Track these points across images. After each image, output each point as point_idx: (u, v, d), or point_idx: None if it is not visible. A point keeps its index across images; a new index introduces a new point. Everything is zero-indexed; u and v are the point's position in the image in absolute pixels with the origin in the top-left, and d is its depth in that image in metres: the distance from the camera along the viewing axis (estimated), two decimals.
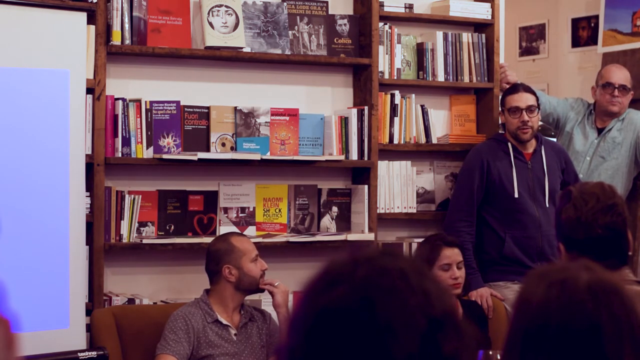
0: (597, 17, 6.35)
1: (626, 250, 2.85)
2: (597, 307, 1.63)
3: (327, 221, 5.05)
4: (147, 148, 4.59)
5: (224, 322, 4.14)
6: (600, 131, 5.41)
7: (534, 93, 5.10)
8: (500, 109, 5.18)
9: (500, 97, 5.35)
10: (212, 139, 4.76)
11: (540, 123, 5.26)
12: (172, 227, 4.70)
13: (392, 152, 5.19)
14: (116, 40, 4.49)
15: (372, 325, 1.30)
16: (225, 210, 4.81)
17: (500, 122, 5.26)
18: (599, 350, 1.61)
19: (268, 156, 4.80)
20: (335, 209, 5.07)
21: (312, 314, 1.34)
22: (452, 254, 4.36)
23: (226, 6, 4.77)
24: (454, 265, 4.34)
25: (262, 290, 4.21)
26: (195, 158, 4.58)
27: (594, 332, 1.62)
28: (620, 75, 5.37)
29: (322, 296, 1.34)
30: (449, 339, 1.32)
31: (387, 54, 5.17)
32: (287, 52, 4.91)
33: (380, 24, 5.13)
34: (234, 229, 4.78)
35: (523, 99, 5.02)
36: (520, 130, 5.00)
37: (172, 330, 4.06)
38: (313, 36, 5.04)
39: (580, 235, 2.80)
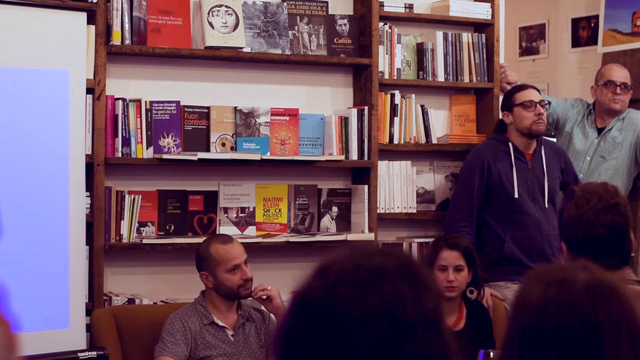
0: (597, 17, 6.35)
1: (628, 250, 2.85)
2: (594, 307, 1.63)
3: (327, 221, 5.04)
4: (147, 148, 4.59)
5: (220, 323, 4.14)
6: (600, 131, 5.42)
7: (539, 92, 5.13)
8: (504, 109, 5.13)
9: (500, 97, 5.35)
10: (212, 139, 4.76)
11: None
12: (172, 227, 4.70)
13: (392, 152, 5.19)
14: (116, 40, 4.49)
15: (334, 315, 1.34)
16: (225, 210, 4.81)
17: (500, 122, 5.24)
18: (596, 350, 1.61)
19: (268, 156, 4.80)
20: (335, 209, 5.07)
21: (294, 301, 1.40)
22: (449, 257, 4.35)
23: (226, 6, 4.77)
24: (450, 268, 4.33)
25: (246, 297, 4.19)
26: (195, 158, 4.58)
27: (591, 332, 1.62)
28: (621, 73, 5.39)
29: (305, 286, 1.39)
30: (417, 341, 1.33)
31: (387, 54, 5.17)
32: (287, 52, 4.91)
33: (380, 24, 5.13)
34: (234, 229, 4.78)
35: (533, 94, 5.05)
36: (535, 123, 4.99)
37: (170, 332, 4.06)
38: (313, 36, 5.03)
39: (581, 234, 2.80)
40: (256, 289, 4.16)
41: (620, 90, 5.35)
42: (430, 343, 1.35)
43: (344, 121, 5.03)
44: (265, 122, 4.86)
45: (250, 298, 4.24)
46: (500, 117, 5.17)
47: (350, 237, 4.91)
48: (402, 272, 1.38)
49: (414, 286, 1.37)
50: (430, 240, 5.22)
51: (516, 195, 4.97)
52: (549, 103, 5.13)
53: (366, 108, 5.05)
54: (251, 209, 4.87)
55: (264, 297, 4.19)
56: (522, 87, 5.12)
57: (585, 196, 2.82)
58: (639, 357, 1.63)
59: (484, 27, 5.47)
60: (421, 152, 5.31)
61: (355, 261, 1.38)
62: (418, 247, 5.18)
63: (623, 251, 2.84)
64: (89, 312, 4.35)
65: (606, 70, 5.45)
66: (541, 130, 5.03)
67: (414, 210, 5.24)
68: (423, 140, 5.27)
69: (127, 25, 4.52)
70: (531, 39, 7.35)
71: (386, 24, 5.18)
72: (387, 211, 5.16)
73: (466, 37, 5.39)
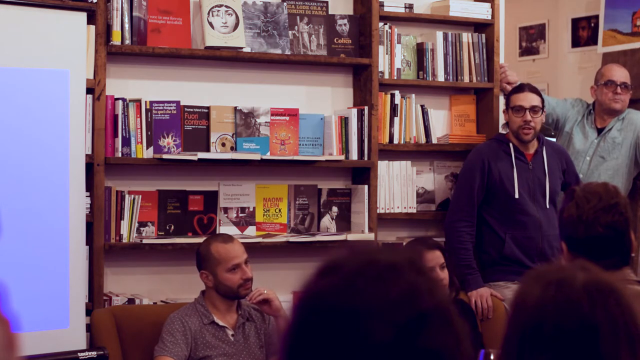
0: (597, 17, 6.35)
1: (628, 250, 2.85)
2: (593, 307, 1.63)
3: (327, 221, 5.04)
4: (147, 148, 4.59)
5: (220, 323, 4.14)
6: (600, 131, 5.42)
7: (539, 94, 5.10)
8: (505, 108, 5.17)
9: (501, 97, 5.36)
10: (212, 139, 4.76)
11: None
12: (172, 227, 4.70)
13: (392, 152, 5.19)
14: (116, 40, 4.49)
15: (351, 311, 1.31)
16: (225, 210, 4.81)
17: (502, 121, 5.26)
18: (595, 350, 1.61)
19: (268, 156, 4.80)
20: (335, 209, 5.07)
21: (303, 301, 1.37)
22: (433, 257, 4.43)
23: (226, 6, 4.77)
24: (436, 268, 4.41)
25: (244, 297, 4.18)
26: (195, 158, 4.58)
27: (590, 332, 1.62)
28: (621, 73, 5.40)
29: (313, 285, 1.36)
30: (431, 333, 1.33)
31: (387, 54, 5.17)
32: (287, 52, 4.91)
33: (380, 24, 5.13)
34: (234, 229, 4.78)
35: (528, 99, 5.02)
36: (522, 130, 5.00)
37: (170, 332, 4.06)
38: (313, 36, 5.03)
39: (581, 233, 2.80)
40: (253, 294, 4.16)
41: (621, 90, 5.36)
42: (445, 334, 1.34)
43: (344, 121, 5.03)
44: (265, 122, 4.86)
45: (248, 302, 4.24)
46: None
47: (350, 237, 4.91)
48: (413, 266, 1.38)
49: (425, 278, 1.37)
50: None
51: (517, 196, 4.97)
52: (543, 109, 5.09)
53: (366, 108, 5.04)
54: (251, 209, 4.87)
55: (262, 300, 4.18)
56: (519, 89, 5.11)
57: (585, 196, 2.83)
58: (638, 357, 1.63)
59: (484, 27, 5.47)
60: (421, 152, 5.31)
61: (367, 257, 1.37)
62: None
63: (623, 251, 2.84)
64: (89, 312, 4.35)
65: (606, 70, 5.45)
66: (526, 139, 5.01)
67: (414, 210, 5.24)
68: (423, 140, 5.27)
69: (127, 25, 4.52)
70: (531, 39, 7.35)
71: (386, 24, 5.18)
72: (387, 211, 5.15)
73: (466, 37, 5.39)
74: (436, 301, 1.35)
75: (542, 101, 5.08)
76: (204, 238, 4.44)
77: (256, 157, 4.73)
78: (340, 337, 1.31)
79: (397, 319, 1.31)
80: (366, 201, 5.02)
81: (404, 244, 5.03)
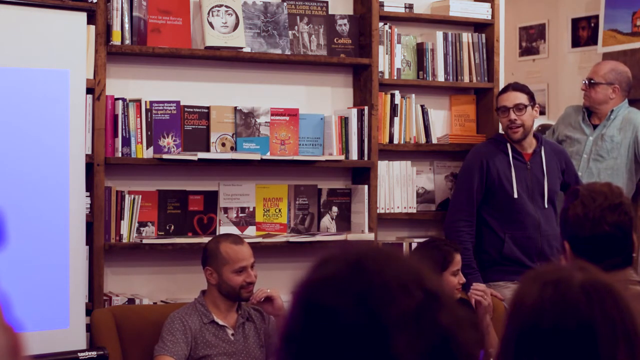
0: (597, 17, 6.35)
1: (631, 251, 2.85)
2: (590, 307, 1.63)
3: (327, 221, 5.04)
4: (147, 148, 4.59)
5: (220, 322, 4.15)
6: (595, 127, 5.42)
7: (526, 91, 5.08)
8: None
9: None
10: (212, 139, 4.76)
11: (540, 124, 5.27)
12: (172, 227, 4.70)
13: (392, 152, 5.19)
14: (116, 40, 4.49)
15: (365, 290, 1.29)
16: (225, 210, 4.81)
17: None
18: (592, 350, 1.62)
19: (268, 156, 4.80)
20: (335, 209, 5.07)
21: (306, 288, 1.34)
22: (460, 260, 4.45)
23: (226, 6, 4.77)
24: (459, 271, 4.42)
25: (246, 300, 4.18)
26: (195, 158, 4.58)
27: (587, 333, 1.62)
28: (594, 68, 5.46)
29: (314, 274, 1.34)
30: (444, 312, 1.32)
31: (387, 54, 5.17)
32: (287, 52, 4.91)
33: (380, 24, 5.13)
34: (234, 229, 4.77)
35: (510, 98, 5.03)
36: (509, 129, 5.01)
37: (170, 332, 4.07)
38: (313, 36, 5.03)
39: (587, 231, 2.80)
40: (255, 294, 4.16)
41: (584, 86, 5.40)
42: (454, 313, 1.34)
43: (344, 121, 5.03)
44: (265, 122, 4.86)
45: (250, 303, 4.24)
46: None
47: (350, 237, 4.91)
48: (405, 255, 1.38)
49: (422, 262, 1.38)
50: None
51: (515, 195, 4.98)
52: (527, 107, 5.06)
53: (366, 108, 5.05)
54: (251, 209, 4.87)
55: (263, 299, 4.18)
56: (504, 90, 5.13)
57: (591, 195, 2.83)
58: (636, 357, 1.63)
59: (484, 27, 5.48)
60: (421, 152, 5.31)
61: (364, 245, 1.37)
62: (418, 250, 5.17)
63: (626, 251, 2.84)
64: (89, 312, 4.35)
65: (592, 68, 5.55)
66: (514, 137, 5.02)
67: (414, 210, 5.25)
68: (423, 140, 5.27)
69: (127, 25, 4.52)
70: (531, 39, 7.35)
71: (386, 24, 5.18)
72: (387, 211, 5.16)
73: (466, 37, 5.39)
74: (440, 284, 1.35)
75: (531, 98, 5.07)
76: (204, 238, 4.45)
77: (256, 157, 4.73)
78: (357, 315, 1.28)
79: (414, 296, 1.30)
80: (366, 201, 5.02)
81: (412, 246, 5.05)
